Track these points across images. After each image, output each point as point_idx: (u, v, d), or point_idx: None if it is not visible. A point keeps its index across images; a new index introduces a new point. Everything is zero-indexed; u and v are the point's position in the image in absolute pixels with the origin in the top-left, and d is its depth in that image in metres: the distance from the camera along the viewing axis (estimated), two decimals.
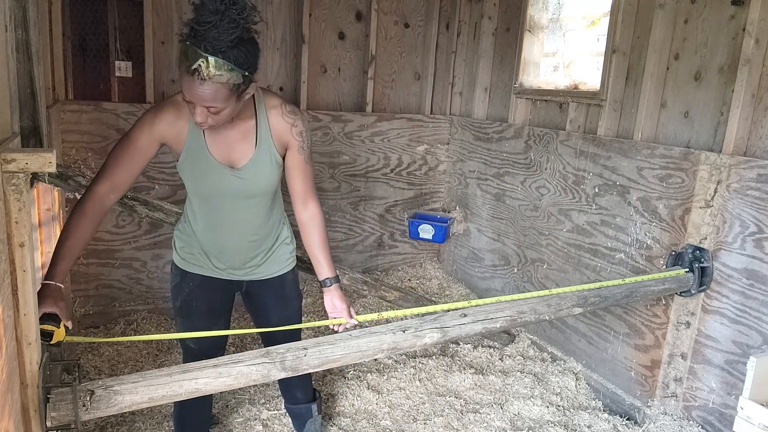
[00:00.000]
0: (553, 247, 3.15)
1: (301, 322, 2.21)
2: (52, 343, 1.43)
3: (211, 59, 1.46)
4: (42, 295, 1.45)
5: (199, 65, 1.46)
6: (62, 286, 1.50)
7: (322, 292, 1.94)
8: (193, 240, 1.89)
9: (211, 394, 2.18)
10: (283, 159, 1.82)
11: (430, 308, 1.88)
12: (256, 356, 1.54)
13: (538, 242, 3.28)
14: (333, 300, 1.84)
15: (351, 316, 1.82)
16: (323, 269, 1.88)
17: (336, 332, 1.79)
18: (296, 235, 2.00)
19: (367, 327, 1.77)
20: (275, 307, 2.00)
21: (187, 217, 1.91)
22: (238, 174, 1.76)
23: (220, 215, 1.83)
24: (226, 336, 2.12)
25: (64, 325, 1.46)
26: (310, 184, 1.88)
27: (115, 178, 1.67)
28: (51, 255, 1.58)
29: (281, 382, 2.23)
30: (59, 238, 1.60)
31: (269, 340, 2.07)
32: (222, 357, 1.54)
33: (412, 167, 4.10)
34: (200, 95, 1.51)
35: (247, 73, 1.55)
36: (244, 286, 1.99)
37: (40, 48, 1.94)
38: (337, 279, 1.88)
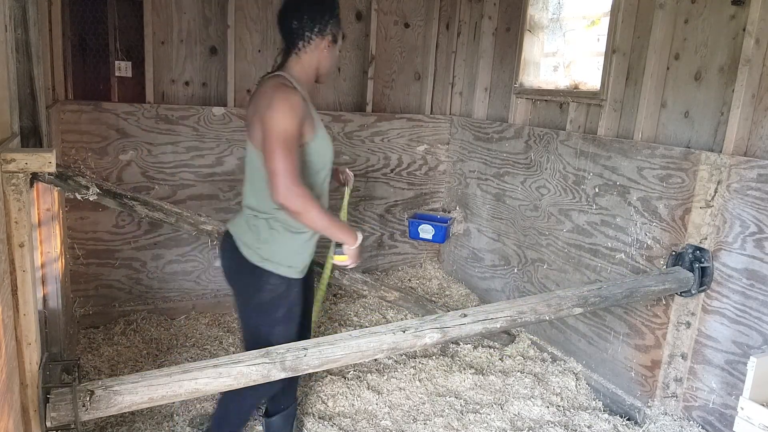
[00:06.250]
0: (554, 247, 3.15)
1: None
2: None
3: None
4: None
5: None
6: None
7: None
8: (309, 242, 1.90)
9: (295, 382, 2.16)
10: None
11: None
12: (256, 356, 1.55)
13: (538, 242, 3.28)
14: None
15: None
16: None
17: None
18: None
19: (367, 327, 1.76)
20: (309, 295, 2.03)
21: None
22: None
23: (325, 193, 1.95)
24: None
25: None
26: None
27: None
28: (50, 255, 1.57)
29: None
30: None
31: None
32: (222, 357, 1.55)
33: (412, 167, 4.10)
34: None
35: None
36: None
37: (40, 48, 1.94)
38: None
